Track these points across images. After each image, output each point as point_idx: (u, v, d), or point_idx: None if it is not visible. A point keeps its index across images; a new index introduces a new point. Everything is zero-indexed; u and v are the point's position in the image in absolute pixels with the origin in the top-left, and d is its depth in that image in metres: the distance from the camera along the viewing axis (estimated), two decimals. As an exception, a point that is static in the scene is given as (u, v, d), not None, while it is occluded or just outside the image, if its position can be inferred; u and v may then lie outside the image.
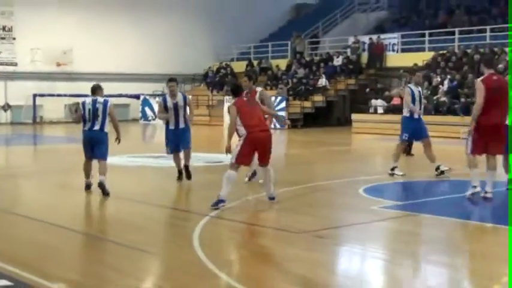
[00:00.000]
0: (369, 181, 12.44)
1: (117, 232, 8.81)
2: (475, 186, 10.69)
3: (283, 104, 30.27)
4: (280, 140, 26.50)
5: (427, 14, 35.42)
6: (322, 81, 32.10)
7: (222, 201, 9.87)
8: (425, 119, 25.09)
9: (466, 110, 25.08)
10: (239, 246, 8.37)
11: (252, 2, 39.16)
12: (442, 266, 7.30)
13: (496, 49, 27.82)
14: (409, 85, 14.11)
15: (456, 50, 29.87)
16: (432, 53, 30.65)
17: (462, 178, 11.80)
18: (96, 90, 11.52)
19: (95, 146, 11.27)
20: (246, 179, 12.27)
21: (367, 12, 39.40)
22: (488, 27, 30.14)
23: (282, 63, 36.68)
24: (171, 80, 12.75)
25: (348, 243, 8.38)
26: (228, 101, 28.33)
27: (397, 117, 26.73)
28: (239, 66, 37.49)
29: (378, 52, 33.07)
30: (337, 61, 33.92)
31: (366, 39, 34.24)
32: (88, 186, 11.46)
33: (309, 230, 8.61)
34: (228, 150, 10.28)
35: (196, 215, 9.47)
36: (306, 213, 9.85)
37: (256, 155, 10.33)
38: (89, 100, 11.35)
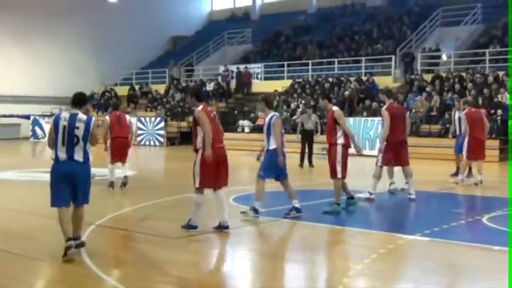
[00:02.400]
0: (238, 191, 12.50)
1: (8, 241, 8.35)
2: (371, 194, 11.53)
3: (162, 124, 30.04)
4: (159, 156, 26.27)
5: (286, 47, 36.26)
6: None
7: (193, 226, 8.65)
8: (286, 137, 25.35)
9: (320, 130, 25.85)
10: (122, 251, 8.18)
11: (133, 33, 38.60)
12: (300, 263, 7.44)
13: (342, 78, 28.90)
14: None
15: (310, 79, 30.74)
16: (290, 81, 31.33)
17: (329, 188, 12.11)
18: (82, 102, 7.53)
19: (76, 186, 7.30)
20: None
21: (235, 45, 39.84)
22: (336, 60, 31.24)
23: (161, 88, 36.39)
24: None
25: (220, 246, 8.38)
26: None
27: (261, 136, 27.25)
28: (122, 90, 36.85)
29: (244, 79, 33.50)
30: (210, 87, 34.04)
31: (234, 68, 34.60)
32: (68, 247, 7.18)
33: (185, 235, 8.54)
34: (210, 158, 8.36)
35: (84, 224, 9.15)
36: (182, 220, 9.75)
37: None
38: (65, 115, 7.43)
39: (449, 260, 7.52)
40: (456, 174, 15.10)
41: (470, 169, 14.80)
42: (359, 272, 6.90)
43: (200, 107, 8.60)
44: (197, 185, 8.51)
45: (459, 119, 14.74)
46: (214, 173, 8.46)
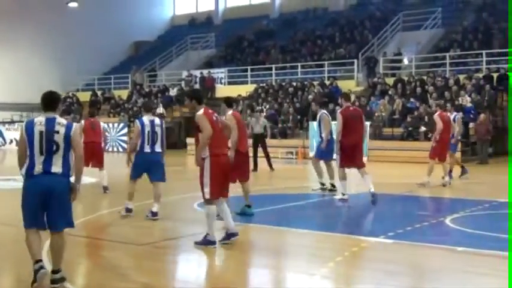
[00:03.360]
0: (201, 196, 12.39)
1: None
2: (344, 194, 11.77)
3: (125, 130, 29.76)
4: (122, 162, 25.97)
5: (249, 52, 36.31)
6: (160, 110, 31.84)
7: (211, 242, 8.02)
8: (249, 142, 25.40)
9: (284, 134, 25.99)
10: (86, 259, 8.04)
11: (95, 38, 38.19)
12: (266, 268, 7.42)
13: (306, 82, 29.06)
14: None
15: (273, 83, 30.83)
16: (254, 86, 31.41)
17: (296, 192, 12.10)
18: (54, 102, 6.60)
19: (52, 204, 6.07)
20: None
21: (198, 50, 39.75)
22: (299, 64, 31.40)
23: (124, 94, 36.09)
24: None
25: (184, 252, 8.30)
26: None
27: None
28: (84, 96, 36.46)
29: (208, 84, 33.43)
30: (173, 92, 33.89)
31: (197, 73, 34.51)
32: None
33: (150, 242, 8.45)
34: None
35: (46, 232, 8.97)
36: (146, 227, 9.66)
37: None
38: (40, 119, 6.27)
39: (413, 261, 7.57)
40: (463, 172, 16.02)
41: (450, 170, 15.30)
42: (323, 275, 6.91)
43: (201, 111, 7.99)
44: (207, 196, 7.83)
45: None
46: (223, 181, 7.94)
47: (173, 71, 37.30)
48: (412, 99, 24.07)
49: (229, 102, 10.41)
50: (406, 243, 8.21)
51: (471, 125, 21.69)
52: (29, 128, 6.11)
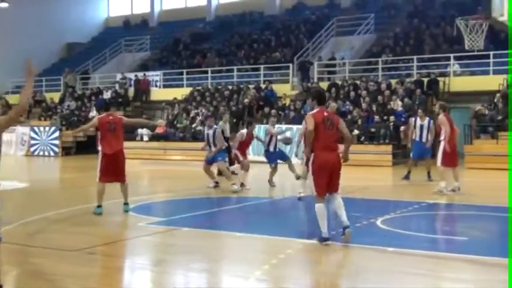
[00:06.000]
0: (136, 201, 12.31)
1: None
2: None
3: (57, 134, 29.13)
4: (54, 166, 25.46)
5: (185, 55, 36.18)
6: (93, 113, 31.34)
7: (324, 239, 8.35)
8: (185, 145, 25.51)
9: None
10: (17, 266, 7.83)
11: (26, 39, 37.19)
12: (201, 272, 7.42)
13: (242, 86, 29.19)
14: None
15: (209, 86, 30.82)
16: (190, 89, 31.31)
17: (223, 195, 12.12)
18: None
19: None
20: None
21: (132, 52, 39.31)
22: (235, 68, 31.50)
23: (56, 96, 35.37)
24: None
25: (117, 257, 8.21)
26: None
27: (161, 144, 27.04)
28: (14, 99, 35.39)
29: (143, 87, 33.14)
30: (107, 95, 33.41)
31: (132, 76, 34.15)
32: None
33: (82, 248, 8.31)
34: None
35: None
36: (78, 233, 9.51)
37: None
38: None
39: (346, 262, 7.73)
40: (407, 177, 16.28)
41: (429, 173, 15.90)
42: (258, 278, 6.96)
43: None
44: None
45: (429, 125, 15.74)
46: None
47: (107, 73, 36.78)
48: (346, 103, 24.53)
49: None
50: (339, 245, 8.36)
51: (401, 128, 22.24)
52: None
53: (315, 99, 8.78)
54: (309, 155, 8.50)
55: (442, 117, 13.62)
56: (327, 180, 8.43)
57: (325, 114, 8.56)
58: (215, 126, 15.10)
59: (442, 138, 13.45)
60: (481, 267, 7.34)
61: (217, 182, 14.82)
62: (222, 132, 15.73)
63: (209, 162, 14.89)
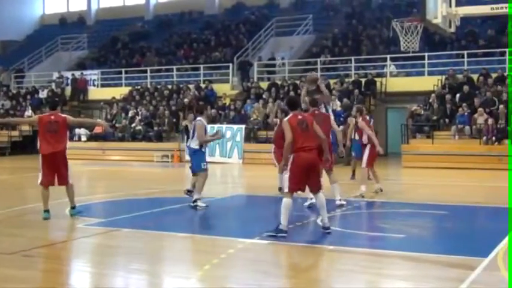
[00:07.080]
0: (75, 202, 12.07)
1: None
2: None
3: (-9, 134, 28.32)
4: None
5: (123, 54, 35.73)
6: (29, 113, 30.61)
7: (281, 231, 8.71)
8: (124, 145, 25.17)
9: (159, 137, 25.86)
10: None
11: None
12: (142, 273, 7.37)
13: (181, 85, 29.06)
14: (199, 119, 12.17)
15: (149, 86, 30.56)
16: (129, 88, 30.96)
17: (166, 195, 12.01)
18: None
19: None
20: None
21: (69, 51, 38.52)
22: (174, 67, 31.33)
23: (-11, 95, 34.32)
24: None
25: (56, 260, 8.06)
26: None
27: (100, 144, 26.66)
28: None
29: (80, 86, 32.57)
30: (43, 94, 32.69)
31: (69, 74, 33.52)
32: None
33: (18, 250, 8.12)
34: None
35: None
36: (15, 235, 9.29)
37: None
38: None
39: (287, 261, 7.82)
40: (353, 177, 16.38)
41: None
42: (199, 278, 6.97)
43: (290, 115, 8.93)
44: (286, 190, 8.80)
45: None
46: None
47: (43, 72, 35.95)
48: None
49: None
50: (280, 244, 8.44)
51: (340, 127, 22.54)
52: None
53: (289, 106, 9.38)
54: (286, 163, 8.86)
55: (361, 122, 13.95)
56: (303, 179, 8.83)
57: (299, 117, 9.03)
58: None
59: (365, 142, 13.71)
60: (417, 263, 7.55)
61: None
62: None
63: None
